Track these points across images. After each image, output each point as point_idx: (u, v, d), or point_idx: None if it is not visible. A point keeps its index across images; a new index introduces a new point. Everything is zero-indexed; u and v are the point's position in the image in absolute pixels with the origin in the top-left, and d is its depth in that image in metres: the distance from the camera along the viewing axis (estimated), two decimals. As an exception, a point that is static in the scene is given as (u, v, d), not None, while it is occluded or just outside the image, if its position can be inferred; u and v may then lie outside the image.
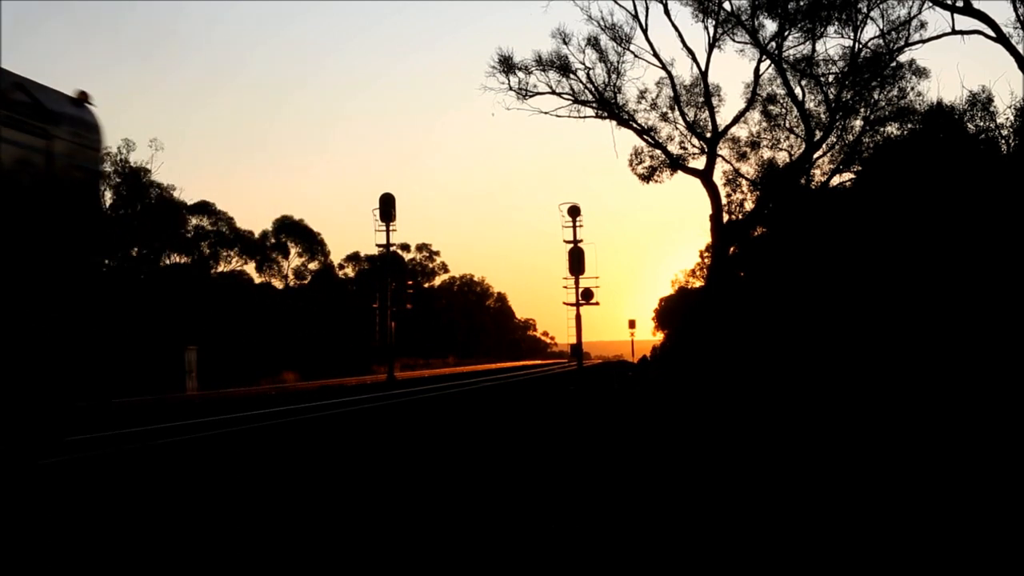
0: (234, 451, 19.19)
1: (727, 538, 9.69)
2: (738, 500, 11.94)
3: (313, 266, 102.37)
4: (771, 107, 45.80)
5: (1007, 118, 37.71)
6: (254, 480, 14.92)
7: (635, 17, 45.91)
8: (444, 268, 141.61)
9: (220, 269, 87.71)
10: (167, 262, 78.82)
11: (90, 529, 10.88)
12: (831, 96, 43.55)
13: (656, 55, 45.98)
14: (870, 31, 65.52)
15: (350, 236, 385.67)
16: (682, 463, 15.77)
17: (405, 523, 10.81)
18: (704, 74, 45.53)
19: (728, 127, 46.13)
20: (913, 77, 42.16)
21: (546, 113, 47.52)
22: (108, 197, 71.36)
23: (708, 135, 45.98)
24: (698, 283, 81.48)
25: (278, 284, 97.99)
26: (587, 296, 48.74)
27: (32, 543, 10.20)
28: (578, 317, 49.01)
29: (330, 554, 9.36)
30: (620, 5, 61.00)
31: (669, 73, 45.87)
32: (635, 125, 46.44)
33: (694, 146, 46.51)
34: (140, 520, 11.33)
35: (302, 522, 10.98)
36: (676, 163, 46.62)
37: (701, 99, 45.83)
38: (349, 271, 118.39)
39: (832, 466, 14.85)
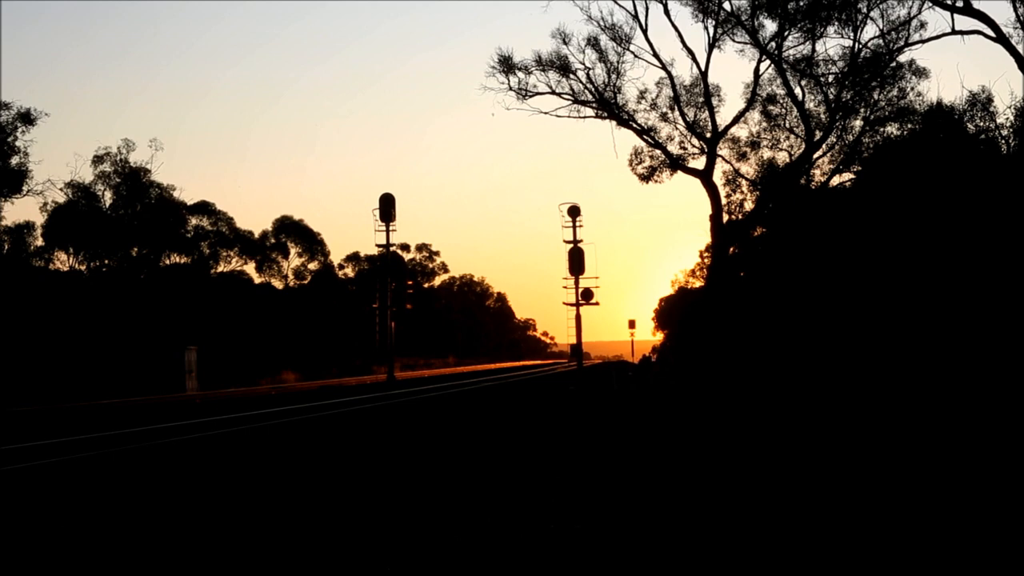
0: (235, 452, 19.17)
1: (722, 536, 9.70)
2: (733, 499, 11.94)
3: (313, 266, 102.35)
4: (771, 107, 45.77)
5: (1007, 118, 37.73)
6: (255, 482, 14.91)
7: (635, 17, 45.79)
8: (444, 268, 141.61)
9: (220, 269, 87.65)
10: (167, 262, 78.77)
11: (90, 529, 10.88)
12: (831, 96, 43.51)
13: (656, 55, 45.97)
14: (870, 31, 65.48)
15: (350, 236, 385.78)
16: (679, 463, 15.76)
17: (407, 522, 10.80)
18: (704, 74, 45.53)
19: (728, 127, 46.11)
20: (913, 77, 42.14)
21: (546, 113, 47.47)
22: (108, 197, 71.49)
23: (708, 135, 45.94)
24: (698, 283, 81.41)
25: (278, 284, 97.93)
26: (587, 296, 48.68)
27: (32, 543, 10.20)
28: (578, 317, 48.98)
29: (333, 553, 9.36)
30: (620, 5, 60.68)
31: (669, 73, 45.87)
32: (635, 125, 46.41)
33: (694, 146, 46.48)
34: (140, 520, 11.33)
35: (304, 521, 10.98)
36: (676, 163, 46.58)
37: (701, 99, 45.81)
38: (349, 271, 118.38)
39: (828, 465, 14.84)
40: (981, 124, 38.24)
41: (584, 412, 28.76)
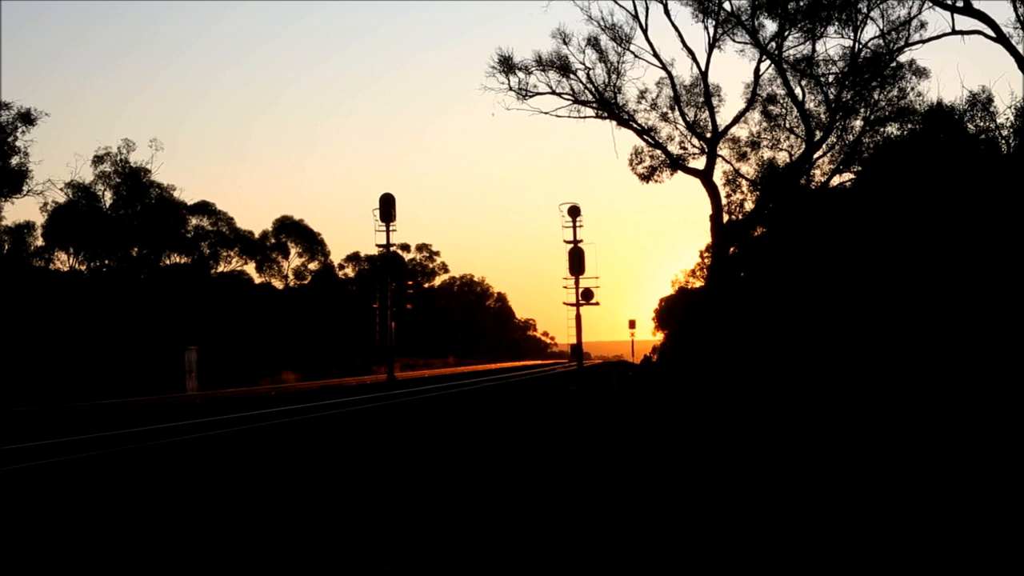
0: (236, 452, 19.18)
1: (721, 535, 9.70)
2: (732, 498, 11.95)
3: (313, 266, 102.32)
4: (771, 107, 45.77)
5: (1007, 118, 37.72)
6: (256, 482, 14.92)
7: (635, 17, 45.76)
8: (444, 268, 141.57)
9: (220, 269, 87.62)
10: (167, 262, 78.74)
11: (91, 529, 10.88)
12: (831, 96, 43.51)
13: (656, 55, 45.94)
14: (870, 31, 65.45)
15: (350, 236, 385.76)
16: (679, 463, 15.76)
17: (407, 522, 10.81)
18: (704, 74, 45.54)
19: (728, 127, 46.11)
20: (913, 77, 42.15)
21: (546, 113, 47.48)
22: (108, 197, 71.49)
23: (708, 135, 45.94)
24: (698, 283, 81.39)
25: (278, 284, 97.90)
26: (587, 296, 48.68)
27: (33, 543, 10.20)
28: (578, 317, 48.99)
29: (334, 553, 9.36)
30: (620, 5, 60.71)
31: (669, 73, 45.88)
32: (635, 125, 46.41)
33: (694, 146, 46.49)
34: (141, 521, 11.33)
35: (305, 522, 10.99)
36: (676, 163, 46.58)
37: (701, 99, 45.82)
38: (349, 271, 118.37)
39: (827, 464, 14.85)
40: (981, 124, 38.26)
41: (584, 412, 28.76)
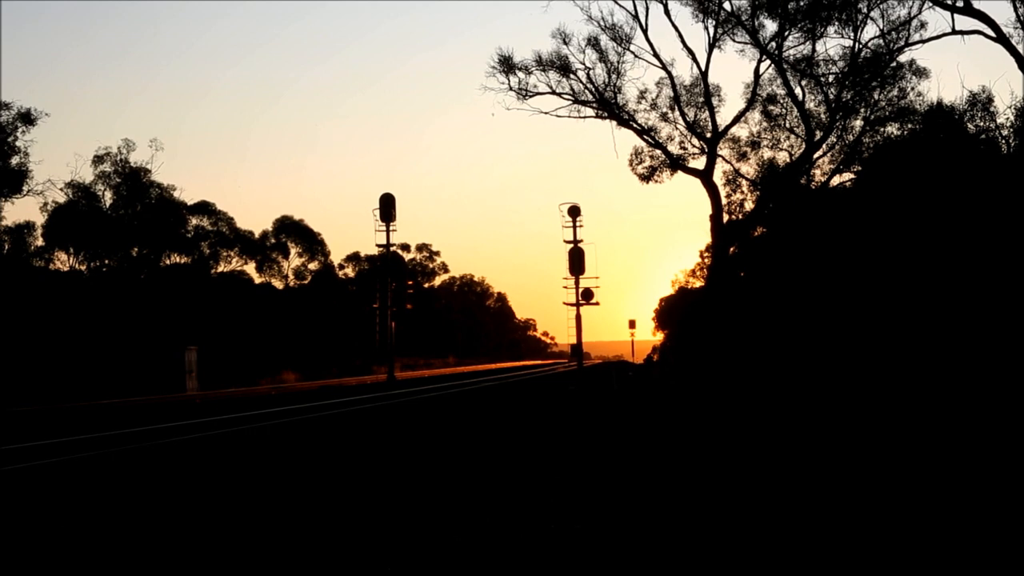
0: (236, 452, 19.18)
1: (721, 536, 9.71)
2: (731, 498, 11.96)
3: (313, 266, 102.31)
4: (771, 107, 45.77)
5: (1007, 118, 37.69)
6: (256, 482, 14.92)
7: (635, 17, 45.77)
8: (444, 268, 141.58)
9: (220, 269, 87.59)
10: (167, 262, 78.73)
11: (90, 529, 10.88)
12: (831, 96, 43.51)
13: (656, 55, 45.95)
14: (870, 31, 65.38)
15: (350, 236, 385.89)
16: (678, 463, 15.77)
17: (407, 522, 10.81)
18: (704, 74, 45.55)
19: (728, 127, 46.12)
20: (913, 77, 42.16)
21: (546, 113, 47.50)
22: (108, 197, 71.49)
23: (708, 135, 45.95)
24: (698, 283, 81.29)
25: (278, 284, 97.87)
26: (587, 296, 48.71)
27: (33, 543, 10.21)
28: (578, 317, 49.01)
29: (334, 553, 9.37)
30: (620, 5, 60.59)
31: (669, 73, 45.89)
32: (635, 125, 46.42)
33: (694, 146, 46.51)
34: (140, 521, 11.33)
35: (305, 522, 10.99)
36: (676, 163, 46.59)
37: (701, 99, 45.83)
38: (349, 271, 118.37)
39: (826, 465, 14.85)
40: (981, 124, 38.24)
41: (584, 412, 28.77)
